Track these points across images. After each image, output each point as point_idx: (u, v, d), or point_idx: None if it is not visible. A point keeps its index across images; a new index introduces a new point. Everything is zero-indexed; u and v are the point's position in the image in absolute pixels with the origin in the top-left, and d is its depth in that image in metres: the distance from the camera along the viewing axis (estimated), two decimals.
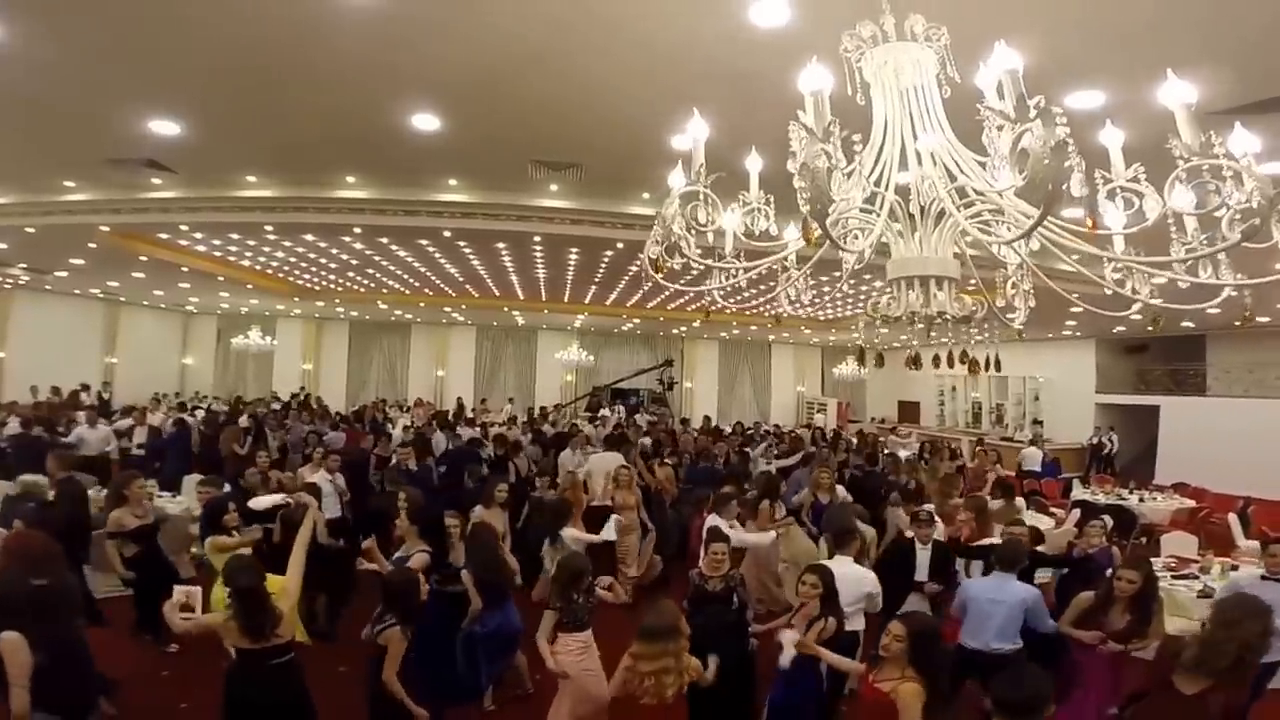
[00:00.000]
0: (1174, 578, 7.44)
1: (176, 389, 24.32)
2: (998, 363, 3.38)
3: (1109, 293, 2.56)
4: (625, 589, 7.62)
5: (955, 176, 2.42)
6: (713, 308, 3.59)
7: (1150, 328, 17.83)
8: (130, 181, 9.19)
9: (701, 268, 2.95)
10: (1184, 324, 17.46)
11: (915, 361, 3.36)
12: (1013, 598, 5.07)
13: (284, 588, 4.28)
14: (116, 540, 6.18)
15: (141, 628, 6.42)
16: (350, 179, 9.17)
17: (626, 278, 14.89)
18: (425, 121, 6.79)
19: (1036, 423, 21.40)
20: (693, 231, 2.75)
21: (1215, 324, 17.15)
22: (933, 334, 2.90)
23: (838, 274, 3.30)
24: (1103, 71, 5.12)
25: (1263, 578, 5.66)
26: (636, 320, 22.65)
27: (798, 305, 3.45)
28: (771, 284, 3.29)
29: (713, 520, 7.01)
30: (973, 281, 2.91)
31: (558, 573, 5.00)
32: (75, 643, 4.53)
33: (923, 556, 6.24)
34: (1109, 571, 5.96)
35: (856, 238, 2.81)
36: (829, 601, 4.73)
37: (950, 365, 3.57)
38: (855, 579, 5.39)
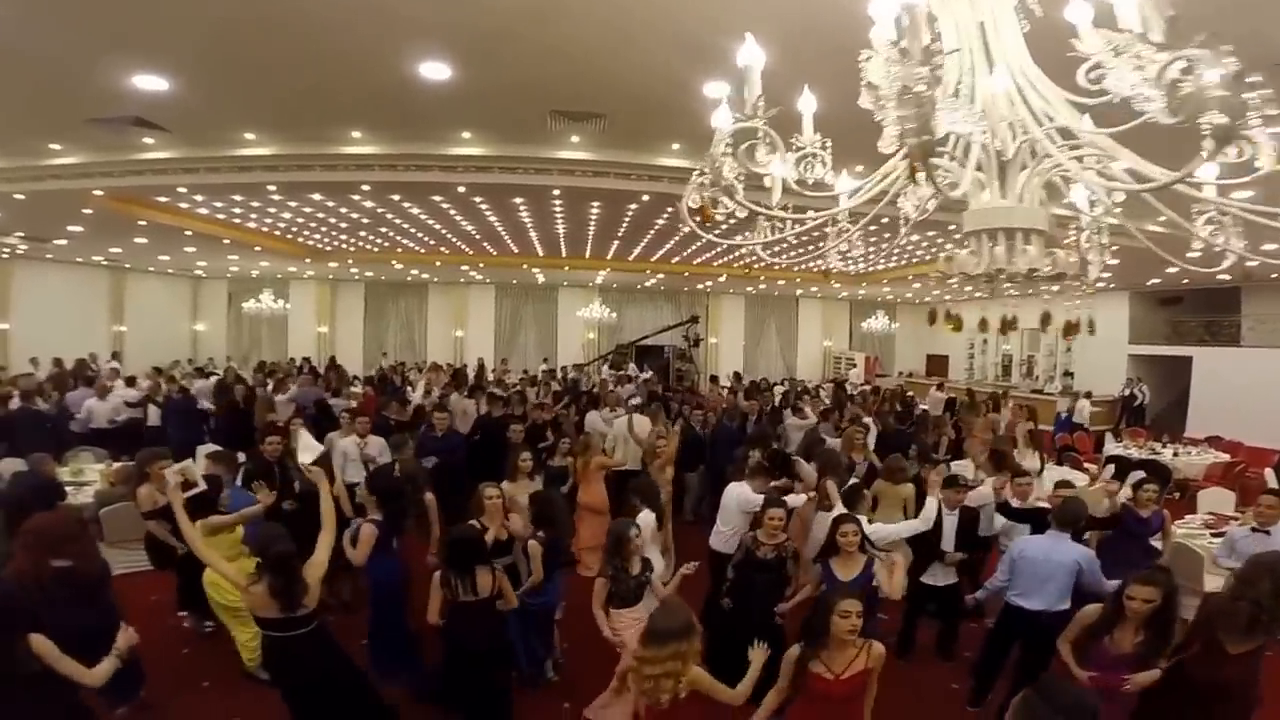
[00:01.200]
0: (1213, 535, 7.34)
1: (189, 355, 24.27)
2: (1091, 325, 3.01)
3: (1199, 247, 2.48)
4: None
5: (1043, 119, 2.15)
6: (757, 264, 3.25)
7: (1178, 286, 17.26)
8: (120, 142, 8.71)
9: (737, 218, 2.58)
10: (1220, 275, 16.68)
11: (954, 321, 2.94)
12: (1067, 558, 5.00)
13: (315, 561, 4.27)
14: (155, 520, 5.88)
15: (184, 607, 6.31)
16: (356, 134, 8.62)
17: (652, 232, 14.39)
18: (435, 70, 6.27)
19: (1067, 374, 20.95)
20: (741, 179, 2.43)
21: (1252, 275, 16.49)
22: (1010, 289, 2.56)
23: (882, 229, 2.93)
24: None
25: (1253, 529, 5.98)
26: (660, 275, 22.17)
27: (849, 261, 3.25)
28: (819, 240, 3.07)
29: (739, 489, 6.57)
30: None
31: (606, 540, 4.99)
32: (110, 622, 4.40)
33: (949, 523, 6.08)
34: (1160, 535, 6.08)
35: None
36: (864, 545, 5.02)
37: (1013, 328, 3.22)
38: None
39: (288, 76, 6.53)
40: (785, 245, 3.00)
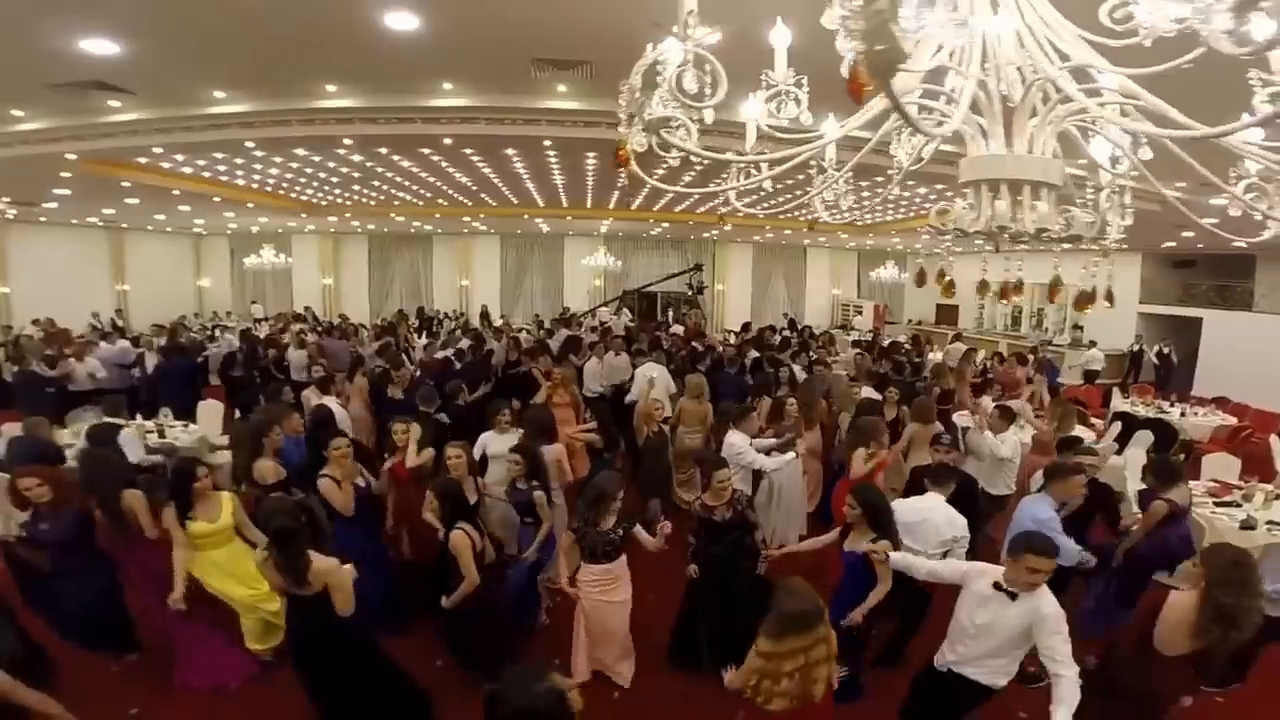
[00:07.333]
0: (1216, 504, 7.11)
1: (195, 310, 24.43)
2: (1110, 295, 2.78)
3: (1236, 213, 2.30)
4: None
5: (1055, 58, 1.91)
6: (733, 213, 2.99)
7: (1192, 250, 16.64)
8: (85, 106, 8.31)
9: (704, 164, 2.26)
10: (1236, 243, 16.34)
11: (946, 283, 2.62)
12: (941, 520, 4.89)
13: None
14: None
15: None
16: (330, 87, 8.18)
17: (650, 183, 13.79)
18: (400, 20, 5.77)
19: (1077, 327, 20.65)
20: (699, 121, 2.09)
21: (1268, 243, 16.02)
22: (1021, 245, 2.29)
23: (879, 179, 2.62)
24: None
25: None
26: (665, 225, 21.80)
27: (835, 211, 3.07)
28: (804, 187, 2.89)
29: (732, 437, 6.62)
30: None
31: (586, 490, 4.92)
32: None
33: None
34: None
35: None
36: (880, 524, 4.52)
37: (1017, 293, 3.14)
38: (942, 521, 4.94)
39: (244, 32, 6.07)
40: (764, 193, 3.03)
